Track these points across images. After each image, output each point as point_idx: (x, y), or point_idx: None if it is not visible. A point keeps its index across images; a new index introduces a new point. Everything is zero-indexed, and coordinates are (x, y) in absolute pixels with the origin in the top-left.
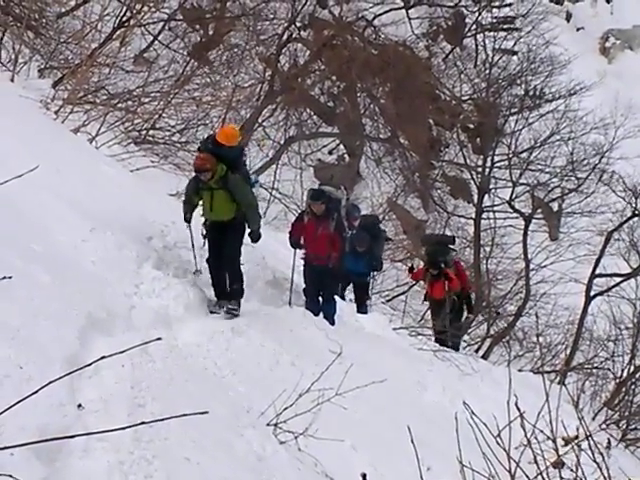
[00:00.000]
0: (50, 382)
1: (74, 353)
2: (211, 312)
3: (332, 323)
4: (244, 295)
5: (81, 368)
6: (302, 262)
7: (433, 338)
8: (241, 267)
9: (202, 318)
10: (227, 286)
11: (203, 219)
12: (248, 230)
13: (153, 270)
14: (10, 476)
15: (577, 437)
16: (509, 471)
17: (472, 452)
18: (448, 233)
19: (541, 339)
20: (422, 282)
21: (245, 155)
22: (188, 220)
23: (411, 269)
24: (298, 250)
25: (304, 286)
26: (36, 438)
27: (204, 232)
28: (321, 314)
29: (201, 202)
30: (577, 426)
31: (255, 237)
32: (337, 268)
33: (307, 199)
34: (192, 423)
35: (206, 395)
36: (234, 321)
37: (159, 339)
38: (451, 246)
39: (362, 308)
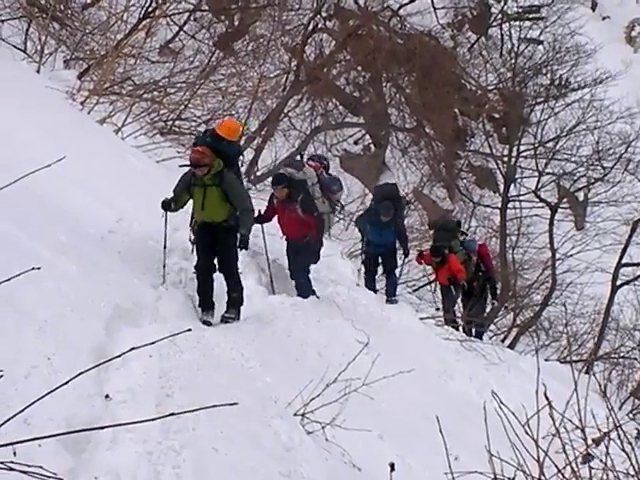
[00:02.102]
0: (80, 373)
1: (101, 344)
2: (203, 322)
3: (304, 295)
4: (243, 304)
5: (111, 359)
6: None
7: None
8: (239, 274)
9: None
10: (212, 297)
11: (191, 222)
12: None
13: (180, 261)
14: (41, 467)
15: (607, 435)
16: (537, 460)
17: (500, 442)
18: (464, 220)
19: (567, 329)
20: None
21: (242, 155)
22: (167, 208)
23: (420, 253)
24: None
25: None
26: (64, 429)
27: (192, 237)
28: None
29: (191, 201)
30: (606, 415)
31: (244, 243)
32: (312, 246)
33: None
34: (220, 413)
35: (233, 386)
36: (261, 312)
37: (189, 330)
38: (462, 230)
39: (391, 277)
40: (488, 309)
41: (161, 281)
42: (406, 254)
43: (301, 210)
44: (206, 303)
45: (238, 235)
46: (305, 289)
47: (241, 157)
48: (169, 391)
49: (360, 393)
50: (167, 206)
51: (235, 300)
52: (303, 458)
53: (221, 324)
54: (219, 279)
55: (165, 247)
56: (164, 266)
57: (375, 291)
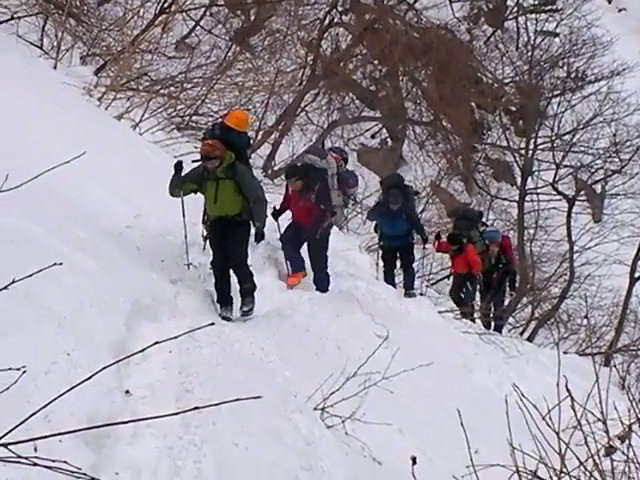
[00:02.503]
0: (103, 368)
1: (121, 339)
2: (223, 318)
3: (323, 289)
4: (257, 289)
5: (133, 354)
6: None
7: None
8: (250, 268)
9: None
10: (230, 292)
11: (203, 218)
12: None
13: (199, 256)
14: (65, 462)
15: (630, 428)
16: (559, 453)
17: (520, 435)
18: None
19: (586, 321)
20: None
21: (251, 145)
22: (176, 195)
23: (437, 236)
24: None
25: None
26: (84, 425)
27: (204, 233)
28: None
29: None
30: (627, 408)
31: (259, 236)
32: (325, 234)
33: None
34: (240, 408)
35: (253, 380)
36: (280, 306)
37: (212, 324)
38: (483, 221)
39: (409, 270)
40: (507, 302)
41: (186, 268)
42: (425, 240)
43: (315, 200)
44: (224, 298)
45: (252, 230)
46: (326, 283)
47: (250, 147)
48: (189, 386)
49: (380, 387)
50: (173, 194)
51: (248, 290)
52: (323, 452)
53: (240, 318)
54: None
55: (186, 236)
56: (187, 252)
57: (394, 285)
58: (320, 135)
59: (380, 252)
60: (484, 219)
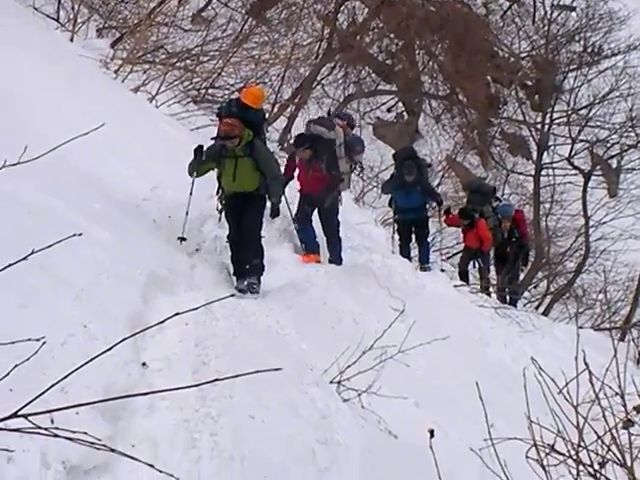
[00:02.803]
0: (122, 340)
1: (137, 312)
2: (239, 291)
3: (339, 263)
4: (265, 270)
5: (155, 325)
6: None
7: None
8: (262, 241)
9: (263, 277)
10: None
11: (217, 192)
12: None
13: (215, 228)
14: (85, 433)
15: None
16: (577, 427)
17: (537, 409)
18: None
19: (601, 296)
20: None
21: (266, 120)
22: (196, 176)
23: (447, 211)
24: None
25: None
26: (101, 397)
27: (219, 206)
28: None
29: (211, 172)
30: None
31: (275, 212)
32: (336, 203)
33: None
34: (257, 381)
35: (269, 353)
36: (296, 279)
37: (232, 295)
38: (497, 196)
39: (424, 244)
40: (522, 276)
41: (182, 246)
42: (440, 202)
43: (326, 169)
44: (241, 271)
45: (267, 204)
46: (338, 248)
47: (266, 122)
48: (205, 359)
49: (396, 360)
50: (200, 152)
51: (257, 267)
52: (339, 425)
53: (251, 296)
54: None
55: (187, 213)
56: (183, 232)
57: (410, 259)
58: (336, 108)
59: (395, 226)
60: (499, 194)
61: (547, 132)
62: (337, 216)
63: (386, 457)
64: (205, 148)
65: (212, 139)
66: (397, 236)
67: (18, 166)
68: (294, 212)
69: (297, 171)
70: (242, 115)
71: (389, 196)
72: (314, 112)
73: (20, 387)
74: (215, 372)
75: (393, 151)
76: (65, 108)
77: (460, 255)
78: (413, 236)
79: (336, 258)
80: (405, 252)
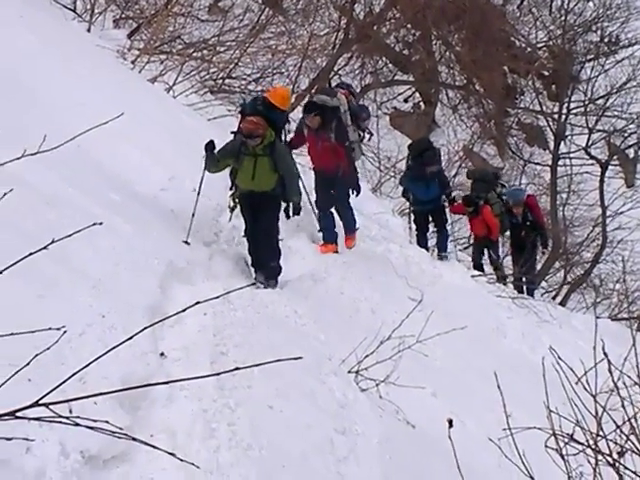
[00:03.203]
0: (142, 330)
1: (155, 302)
2: (258, 282)
3: (353, 225)
4: (282, 271)
5: (175, 314)
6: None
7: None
8: (279, 243)
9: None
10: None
11: (231, 188)
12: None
13: (233, 218)
14: (107, 422)
15: None
16: (595, 416)
17: (556, 399)
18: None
19: (618, 286)
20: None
21: (289, 122)
22: (214, 172)
23: (452, 201)
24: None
25: (315, 199)
26: (119, 387)
27: (231, 203)
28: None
29: (228, 169)
30: None
31: (296, 210)
32: (347, 176)
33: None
34: (275, 371)
35: (287, 343)
36: (313, 269)
37: (253, 284)
38: (501, 182)
39: (442, 232)
40: (539, 266)
41: (200, 235)
42: (449, 194)
43: (334, 138)
44: (260, 263)
45: (283, 204)
46: (352, 220)
47: (287, 125)
48: (223, 349)
49: (413, 350)
50: (212, 147)
51: (274, 269)
52: (357, 415)
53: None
54: None
55: (193, 215)
56: (187, 235)
57: (427, 248)
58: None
59: (412, 216)
60: (516, 184)
61: (564, 122)
62: (352, 191)
63: (404, 447)
64: (223, 143)
65: (232, 133)
66: (414, 226)
67: (38, 156)
68: (313, 199)
69: (307, 146)
70: (267, 115)
71: (402, 187)
72: None
73: (39, 377)
74: (233, 362)
75: (410, 141)
76: (83, 98)
77: (472, 249)
78: (430, 225)
79: (349, 223)
80: (423, 242)
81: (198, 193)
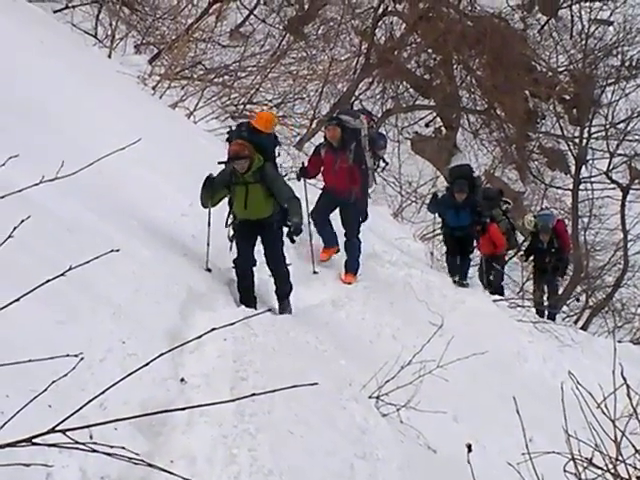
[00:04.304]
0: (160, 355)
1: (176, 327)
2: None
3: (356, 266)
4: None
5: (192, 340)
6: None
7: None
8: (288, 268)
9: (301, 293)
10: (254, 292)
11: (227, 218)
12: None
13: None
14: (123, 448)
15: None
16: (615, 441)
17: (575, 423)
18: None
19: None
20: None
21: (279, 144)
22: (208, 206)
23: (483, 230)
24: (308, 180)
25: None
26: (139, 413)
27: (230, 233)
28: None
29: (226, 199)
30: None
31: (297, 231)
32: (359, 203)
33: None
34: (295, 396)
35: (308, 368)
36: (334, 295)
37: (269, 310)
38: (505, 199)
39: (465, 261)
40: (561, 290)
41: (220, 262)
42: (482, 224)
43: (352, 159)
44: (249, 298)
45: (285, 229)
46: (355, 262)
47: (277, 148)
48: (244, 374)
49: (434, 375)
50: (210, 182)
51: (285, 292)
52: (378, 440)
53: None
54: (258, 272)
55: (208, 244)
56: (207, 263)
57: (456, 273)
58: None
59: (442, 238)
60: (537, 208)
61: (585, 146)
62: (359, 217)
63: (425, 472)
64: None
65: (219, 163)
66: (436, 252)
67: (58, 182)
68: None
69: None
70: (252, 139)
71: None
72: None
73: (59, 403)
74: (253, 388)
75: (431, 166)
76: (103, 123)
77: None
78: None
79: (352, 262)
80: (454, 266)
81: (209, 224)
